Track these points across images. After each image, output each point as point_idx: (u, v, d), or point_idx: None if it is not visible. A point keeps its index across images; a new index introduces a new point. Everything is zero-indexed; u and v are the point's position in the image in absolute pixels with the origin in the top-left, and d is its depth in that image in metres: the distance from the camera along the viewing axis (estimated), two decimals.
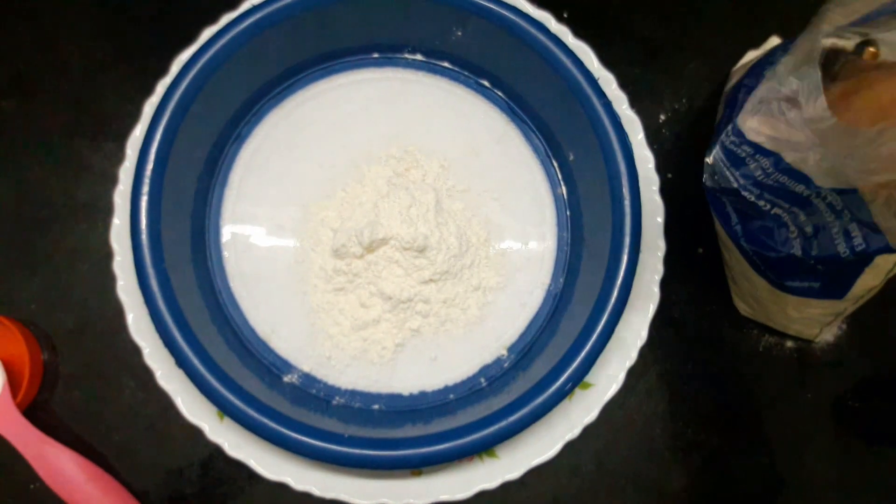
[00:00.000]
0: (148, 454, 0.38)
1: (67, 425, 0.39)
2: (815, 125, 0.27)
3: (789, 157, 0.29)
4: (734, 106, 0.39)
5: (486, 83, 0.39)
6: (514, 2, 0.38)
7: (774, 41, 0.43)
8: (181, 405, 0.35)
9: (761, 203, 0.34)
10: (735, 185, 0.34)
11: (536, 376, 0.35)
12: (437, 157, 0.38)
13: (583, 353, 0.34)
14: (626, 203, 0.35)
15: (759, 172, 0.32)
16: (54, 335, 0.39)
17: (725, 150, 0.34)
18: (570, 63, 0.36)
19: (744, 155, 0.32)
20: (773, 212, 0.34)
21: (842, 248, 0.31)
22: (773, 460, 0.41)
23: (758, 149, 0.31)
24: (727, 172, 0.34)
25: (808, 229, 0.33)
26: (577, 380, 0.34)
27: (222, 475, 0.38)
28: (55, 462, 0.36)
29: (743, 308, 0.42)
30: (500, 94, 0.39)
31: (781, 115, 0.29)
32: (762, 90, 0.31)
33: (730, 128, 0.33)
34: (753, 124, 0.31)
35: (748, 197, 0.34)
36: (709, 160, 0.36)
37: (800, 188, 0.30)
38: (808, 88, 0.27)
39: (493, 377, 0.37)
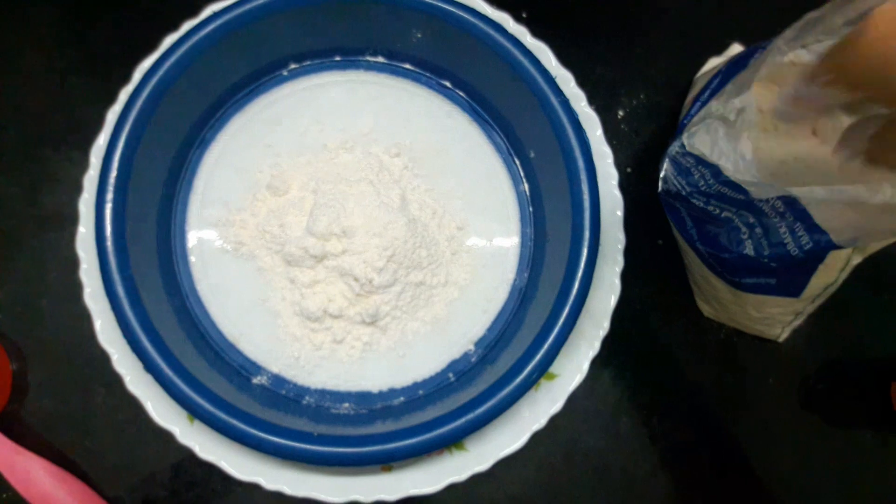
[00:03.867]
0: (119, 459, 0.38)
1: (38, 434, 0.39)
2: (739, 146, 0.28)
3: (727, 171, 0.30)
4: (689, 116, 0.39)
5: (447, 83, 0.40)
6: (472, 3, 0.39)
7: (736, 48, 0.43)
8: (151, 410, 0.35)
9: (710, 208, 0.35)
10: (683, 192, 0.35)
11: (503, 369, 0.35)
12: (402, 158, 0.39)
13: (546, 345, 0.34)
14: (585, 198, 0.35)
15: (702, 182, 0.33)
16: (23, 345, 0.39)
17: (672, 160, 0.34)
18: (528, 62, 0.36)
19: (688, 165, 0.33)
20: (723, 215, 0.35)
21: (791, 248, 0.32)
22: (738, 447, 0.42)
23: (699, 160, 0.32)
24: (675, 181, 0.35)
25: (758, 230, 0.33)
26: (542, 370, 0.34)
27: (194, 477, 0.38)
28: (27, 471, 0.36)
29: (706, 310, 0.43)
30: (461, 94, 0.40)
31: (716, 132, 0.30)
32: (710, 105, 0.32)
33: (678, 139, 0.34)
34: (695, 137, 0.31)
35: (697, 203, 0.35)
36: (662, 168, 0.37)
37: (740, 196, 0.31)
38: (743, 112, 0.28)
39: (461, 372, 0.37)
